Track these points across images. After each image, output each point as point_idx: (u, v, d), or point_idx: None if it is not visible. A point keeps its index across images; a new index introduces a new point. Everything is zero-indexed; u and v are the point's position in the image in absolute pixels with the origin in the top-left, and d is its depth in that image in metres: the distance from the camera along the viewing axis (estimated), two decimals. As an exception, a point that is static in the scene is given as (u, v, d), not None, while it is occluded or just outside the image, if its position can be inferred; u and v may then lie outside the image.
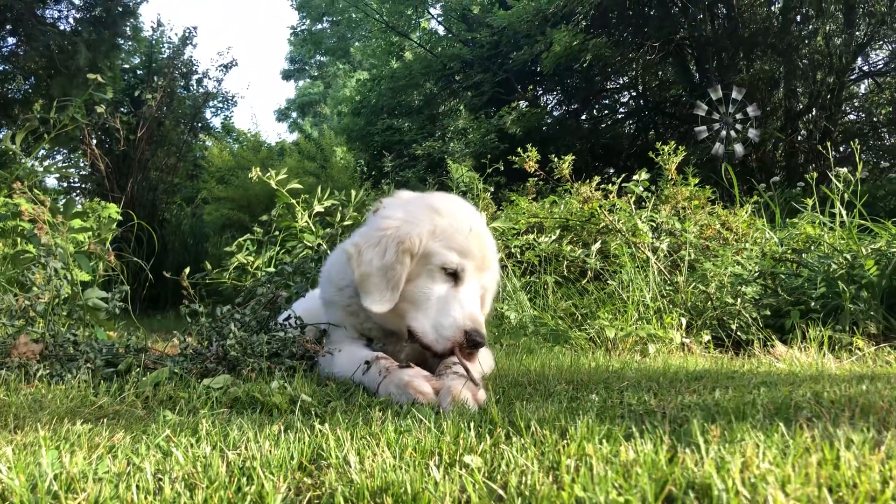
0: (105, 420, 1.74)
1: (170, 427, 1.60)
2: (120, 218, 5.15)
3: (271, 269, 5.26)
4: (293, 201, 5.20)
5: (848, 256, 4.13)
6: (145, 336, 3.12)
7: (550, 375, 2.62)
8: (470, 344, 2.18)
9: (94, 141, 11.99)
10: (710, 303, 4.25)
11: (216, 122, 17.41)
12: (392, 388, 2.04)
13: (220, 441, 1.47)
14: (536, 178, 6.72)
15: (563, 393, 2.15)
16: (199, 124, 15.09)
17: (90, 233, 4.69)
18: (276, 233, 5.52)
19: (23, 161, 4.54)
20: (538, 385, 2.35)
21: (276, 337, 2.61)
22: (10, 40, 10.88)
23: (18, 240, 4.33)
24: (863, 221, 4.82)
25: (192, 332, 2.85)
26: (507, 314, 4.54)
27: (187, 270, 3.14)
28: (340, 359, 2.43)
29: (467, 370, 2.06)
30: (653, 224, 5.36)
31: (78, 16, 11.18)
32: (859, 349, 3.41)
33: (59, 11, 11.16)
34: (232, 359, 2.45)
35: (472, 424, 1.51)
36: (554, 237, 5.38)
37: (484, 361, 2.51)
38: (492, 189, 6.60)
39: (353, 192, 5.57)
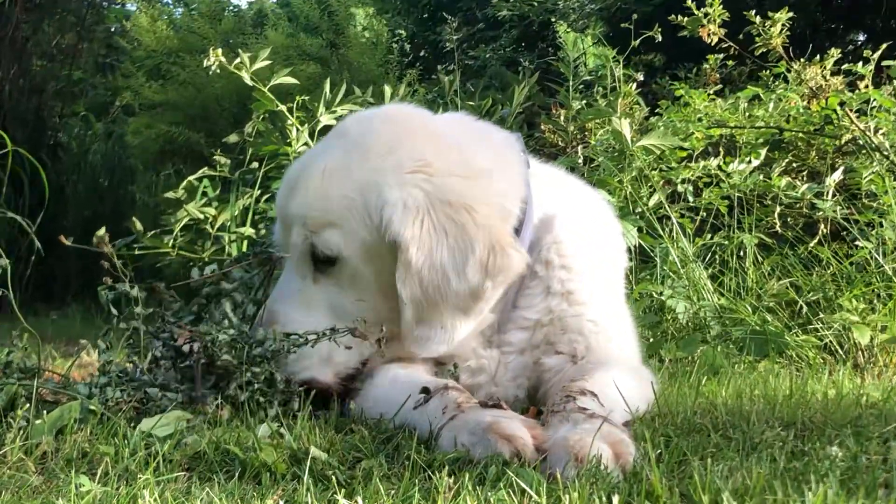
0: (-23, 491, 1.81)
1: None
2: (-17, 144, 5.29)
3: (249, 231, 5.34)
4: (282, 107, 5.25)
5: None
6: (37, 347, 3.21)
7: (754, 413, 2.62)
8: None
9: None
10: None
11: (144, -28, 17.62)
12: (464, 434, 2.07)
13: (176, 527, 1.52)
14: (721, 56, 6.64)
15: (776, 444, 2.15)
16: (114, -25, 15.32)
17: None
18: (255, 165, 5.59)
19: None
20: (731, 430, 2.35)
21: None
22: None
23: None
24: None
25: (119, 339, 2.91)
26: (669, 304, 4.50)
27: (103, 232, 3.20)
28: (375, 386, 2.48)
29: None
30: (940, 135, 5.25)
31: None
32: None
33: None
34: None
35: (614, 498, 1.52)
36: (756, 162, 5.31)
37: (627, 389, 2.48)
38: (640, 76, 6.54)
39: (388, 89, 5.59)
